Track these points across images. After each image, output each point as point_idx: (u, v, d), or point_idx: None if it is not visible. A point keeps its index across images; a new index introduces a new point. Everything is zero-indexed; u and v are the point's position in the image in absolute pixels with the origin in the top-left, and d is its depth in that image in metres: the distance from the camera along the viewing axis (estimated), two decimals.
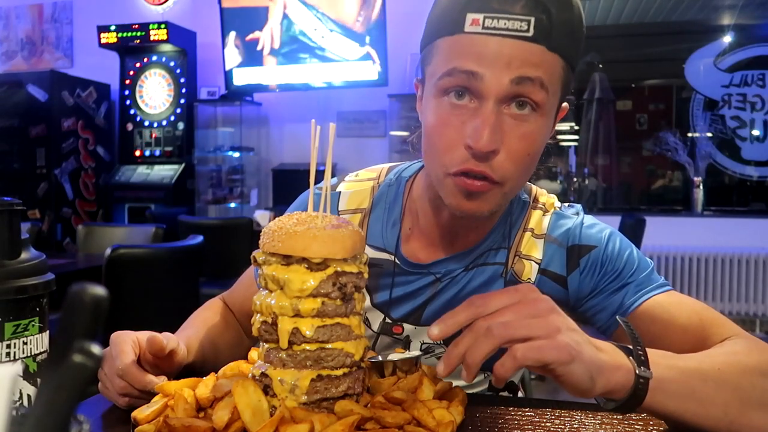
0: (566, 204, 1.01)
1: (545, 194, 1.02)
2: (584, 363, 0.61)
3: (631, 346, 0.67)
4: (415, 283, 0.98)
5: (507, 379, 0.61)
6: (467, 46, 0.79)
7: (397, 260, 0.98)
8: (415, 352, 0.89)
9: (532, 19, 0.76)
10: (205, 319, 1.03)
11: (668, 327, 0.87)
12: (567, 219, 0.97)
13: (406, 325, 0.99)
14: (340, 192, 1.04)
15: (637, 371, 0.64)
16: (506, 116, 0.80)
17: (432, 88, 0.84)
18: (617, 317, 0.76)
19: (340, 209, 1.03)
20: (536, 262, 0.96)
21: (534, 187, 1.03)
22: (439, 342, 0.99)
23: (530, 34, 0.77)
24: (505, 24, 0.77)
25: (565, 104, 0.89)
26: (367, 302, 0.99)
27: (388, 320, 0.99)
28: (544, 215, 0.98)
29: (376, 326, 1.00)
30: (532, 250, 0.96)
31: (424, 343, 0.99)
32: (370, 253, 0.99)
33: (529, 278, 0.95)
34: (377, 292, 0.99)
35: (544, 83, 0.79)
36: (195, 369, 0.90)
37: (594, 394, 0.63)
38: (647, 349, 0.67)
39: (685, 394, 0.68)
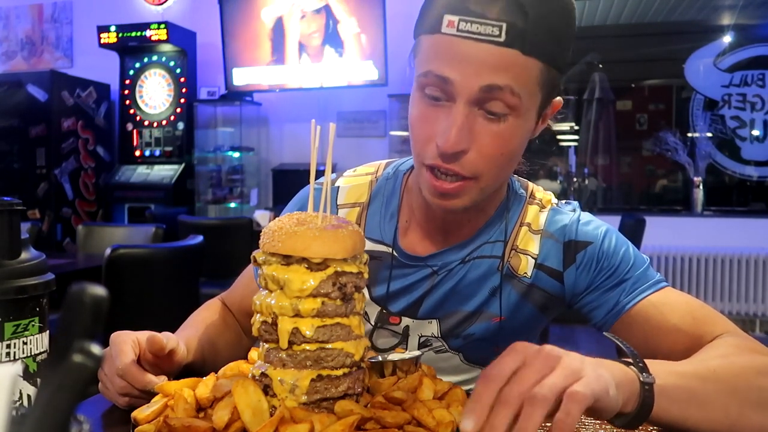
0: (563, 201, 1.02)
1: (541, 191, 1.02)
2: (613, 387, 0.61)
3: (629, 359, 0.67)
4: (413, 275, 0.98)
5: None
6: (443, 49, 0.80)
7: (394, 253, 0.99)
8: (415, 351, 0.89)
9: (504, 25, 0.76)
10: (203, 319, 1.03)
11: (662, 326, 0.87)
12: (564, 215, 0.98)
13: (404, 318, 1.00)
14: (338, 187, 1.05)
15: (641, 378, 0.64)
16: (478, 116, 0.81)
17: (415, 82, 0.86)
18: (605, 334, 0.76)
19: (338, 203, 1.04)
20: (532, 257, 0.96)
21: (530, 184, 1.03)
22: (436, 335, 0.99)
23: (502, 39, 0.77)
24: (477, 28, 0.77)
25: (558, 99, 0.89)
26: (366, 296, 0.99)
27: (385, 311, 1.00)
28: (540, 211, 0.98)
29: (373, 319, 1.01)
30: (529, 244, 0.97)
31: (422, 336, 1.00)
32: (368, 245, 1.00)
33: (525, 272, 0.96)
34: (375, 286, 1.00)
35: (514, 90, 0.79)
36: (194, 369, 0.90)
37: (617, 411, 0.62)
38: (645, 360, 0.67)
39: (687, 398, 0.68)
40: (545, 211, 0.98)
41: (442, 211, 0.91)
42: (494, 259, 0.97)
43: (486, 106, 0.80)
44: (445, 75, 0.80)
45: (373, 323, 1.01)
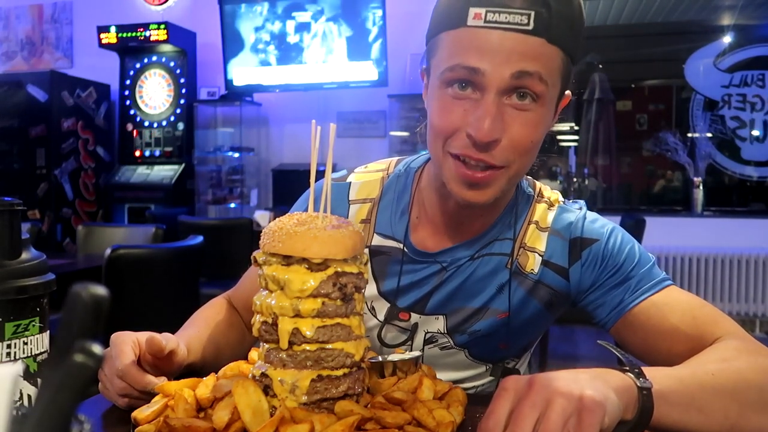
0: (570, 200, 1.03)
1: (549, 189, 1.04)
2: (612, 395, 0.61)
3: (626, 367, 0.68)
4: (422, 271, 0.99)
5: None
6: (470, 41, 0.81)
7: (405, 248, 1.00)
8: (415, 352, 0.89)
9: (532, 13, 0.79)
10: (206, 318, 1.03)
11: (662, 325, 0.88)
12: (570, 213, 0.99)
13: (412, 314, 1.01)
14: (350, 183, 1.07)
15: (637, 383, 0.65)
16: (507, 106, 0.83)
17: (436, 80, 0.87)
18: (600, 342, 0.77)
19: (350, 199, 1.05)
20: (539, 254, 0.97)
21: (538, 183, 1.05)
22: (443, 331, 1.00)
23: (530, 27, 0.79)
24: (506, 18, 0.79)
25: (567, 92, 0.91)
26: (374, 291, 1.00)
27: (394, 307, 1.01)
28: (548, 209, 1.00)
29: (382, 315, 1.01)
30: (537, 242, 0.98)
31: (428, 332, 1.01)
32: (378, 240, 1.01)
33: (533, 269, 0.97)
34: (384, 280, 1.01)
35: (542, 76, 0.81)
36: (197, 368, 0.91)
37: (619, 419, 0.62)
38: (642, 367, 0.68)
39: (687, 402, 0.68)
40: (553, 210, 1.00)
41: (464, 205, 0.90)
42: (503, 256, 0.98)
43: (514, 95, 0.82)
44: (475, 66, 0.81)
45: (382, 319, 1.01)
